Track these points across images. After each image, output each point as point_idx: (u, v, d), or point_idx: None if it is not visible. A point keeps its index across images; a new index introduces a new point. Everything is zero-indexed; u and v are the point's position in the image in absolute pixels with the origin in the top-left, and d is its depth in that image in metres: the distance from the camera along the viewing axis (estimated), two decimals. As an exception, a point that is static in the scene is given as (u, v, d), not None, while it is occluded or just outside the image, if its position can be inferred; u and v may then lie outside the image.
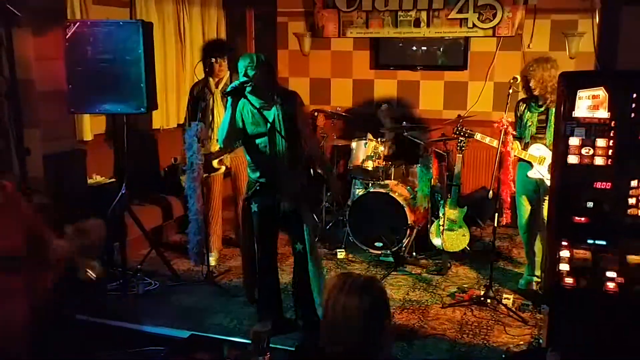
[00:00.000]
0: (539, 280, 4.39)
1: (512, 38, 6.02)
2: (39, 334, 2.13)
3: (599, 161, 2.95)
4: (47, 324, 2.17)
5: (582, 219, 2.98)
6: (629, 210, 2.93)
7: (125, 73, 4.05)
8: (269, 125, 3.45)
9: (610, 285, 2.84)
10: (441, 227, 5.01)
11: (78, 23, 4.07)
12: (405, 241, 5.11)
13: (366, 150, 5.45)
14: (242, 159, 4.39)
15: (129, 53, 4.03)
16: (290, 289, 4.10)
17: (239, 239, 4.49)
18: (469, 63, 6.34)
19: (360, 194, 5.32)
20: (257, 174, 3.61)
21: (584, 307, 2.91)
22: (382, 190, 5.22)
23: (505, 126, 4.12)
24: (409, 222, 5.07)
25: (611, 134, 2.94)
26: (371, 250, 5.19)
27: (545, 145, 4.13)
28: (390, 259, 5.12)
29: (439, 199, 5.37)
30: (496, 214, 4.24)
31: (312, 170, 3.72)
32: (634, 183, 2.92)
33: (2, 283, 2.03)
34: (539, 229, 4.30)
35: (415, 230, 5.14)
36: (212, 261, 4.85)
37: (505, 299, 4.22)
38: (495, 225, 4.27)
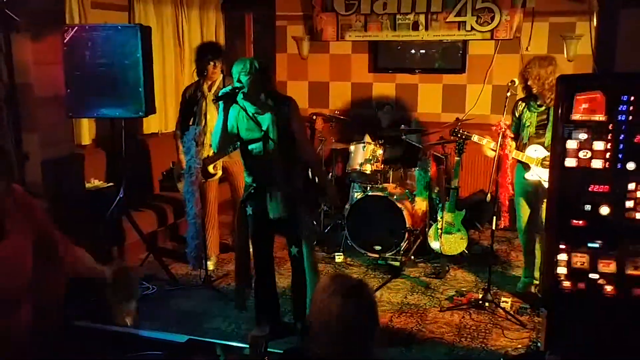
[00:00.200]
0: (538, 282, 4.39)
1: (510, 41, 6.02)
2: (43, 336, 2.13)
3: (596, 164, 2.95)
4: (52, 327, 2.17)
5: (580, 222, 2.97)
6: (626, 214, 2.93)
7: (124, 77, 4.06)
8: (262, 131, 3.44)
9: (609, 288, 2.84)
10: (439, 231, 5.02)
11: (76, 27, 4.08)
12: (403, 244, 5.11)
13: (364, 154, 5.45)
14: (239, 163, 4.38)
15: (127, 57, 4.04)
16: (288, 293, 4.10)
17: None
18: (467, 66, 6.35)
19: (358, 197, 5.32)
20: (252, 178, 3.62)
21: (582, 310, 2.91)
22: (380, 193, 5.22)
23: (503, 129, 4.12)
24: (407, 226, 5.07)
25: (609, 137, 2.94)
26: (369, 254, 5.19)
27: (543, 146, 4.12)
28: (388, 262, 5.13)
29: (437, 202, 5.38)
30: (494, 217, 4.24)
31: (310, 174, 3.72)
32: (631, 186, 2.91)
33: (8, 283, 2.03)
34: (538, 231, 4.30)
35: (413, 234, 5.14)
36: (210, 265, 4.85)
37: (503, 302, 4.22)
38: (494, 228, 4.27)
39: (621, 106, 2.91)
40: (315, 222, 5.63)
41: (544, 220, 3.92)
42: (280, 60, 6.96)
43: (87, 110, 4.19)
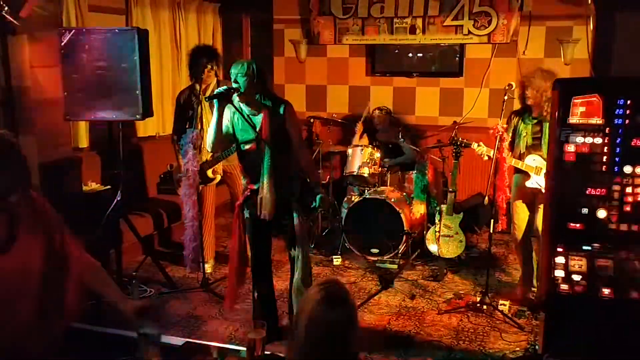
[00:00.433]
0: (535, 289, 4.36)
1: (507, 45, 6.05)
2: (47, 338, 2.13)
3: (593, 167, 2.96)
4: (55, 329, 2.16)
5: (577, 225, 2.98)
6: (623, 217, 2.94)
7: (121, 80, 4.05)
8: (256, 132, 3.45)
9: (606, 291, 2.85)
10: (437, 234, 5.02)
11: (74, 30, 4.07)
12: (401, 248, 5.12)
13: (362, 157, 5.45)
14: (239, 168, 4.38)
15: (124, 60, 4.03)
16: (286, 295, 4.09)
17: None
18: (465, 70, 6.37)
19: (356, 200, 5.32)
20: (247, 180, 3.63)
21: (580, 312, 2.92)
22: (378, 196, 5.23)
23: (500, 132, 4.13)
24: (405, 229, 5.07)
25: (606, 141, 2.95)
26: (367, 257, 5.19)
27: (540, 156, 4.12)
28: (387, 265, 5.13)
29: (435, 205, 5.39)
30: (492, 220, 4.25)
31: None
32: (628, 189, 2.93)
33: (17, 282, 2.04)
34: (534, 236, 4.30)
35: (411, 237, 5.14)
36: (208, 268, 4.85)
37: (501, 305, 4.22)
38: (491, 231, 4.27)
39: (618, 110, 2.93)
40: (312, 224, 5.64)
41: (539, 226, 3.92)
42: (277, 63, 6.97)
43: (85, 113, 4.17)
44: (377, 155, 5.49)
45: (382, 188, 5.46)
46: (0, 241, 1.98)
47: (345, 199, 5.76)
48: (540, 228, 3.80)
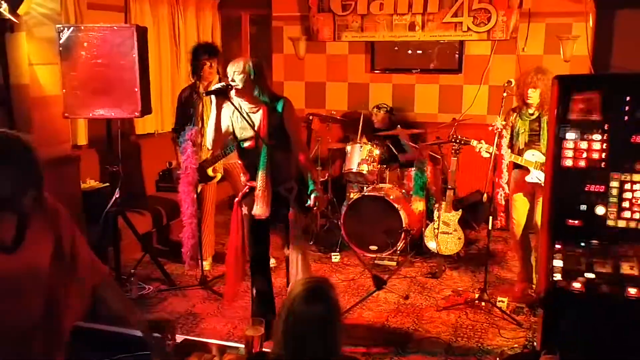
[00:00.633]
0: (535, 286, 4.37)
1: (507, 41, 6.03)
2: (53, 335, 2.14)
3: (592, 164, 2.96)
4: (59, 330, 2.17)
5: (576, 221, 2.98)
6: (622, 213, 2.94)
7: (120, 77, 4.04)
8: (255, 130, 3.45)
9: (604, 288, 2.85)
10: (436, 231, 5.02)
11: (72, 27, 4.06)
12: (400, 245, 5.12)
13: (361, 154, 5.45)
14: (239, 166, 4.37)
15: (123, 57, 4.02)
16: (284, 292, 4.09)
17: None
18: (464, 66, 6.36)
19: (355, 197, 5.32)
20: (247, 177, 3.63)
21: (578, 309, 2.91)
22: (377, 193, 5.22)
23: (499, 129, 4.13)
24: (404, 226, 5.07)
25: (605, 137, 2.94)
26: (366, 254, 5.19)
27: (539, 151, 4.13)
28: (386, 262, 5.14)
29: (434, 202, 5.39)
30: (490, 217, 4.25)
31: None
32: (627, 186, 2.92)
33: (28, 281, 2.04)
34: (533, 231, 4.31)
35: (410, 234, 5.14)
36: (206, 265, 4.84)
37: (499, 301, 4.22)
38: (490, 228, 4.27)
39: (617, 106, 2.92)
40: (310, 222, 5.64)
41: (539, 221, 3.93)
42: (276, 60, 6.96)
43: (83, 111, 4.17)
44: (376, 152, 5.49)
45: (381, 185, 5.46)
46: (8, 241, 1.98)
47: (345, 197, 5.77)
48: (539, 222, 3.81)
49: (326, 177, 5.96)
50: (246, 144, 3.55)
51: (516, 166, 4.32)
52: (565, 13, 5.85)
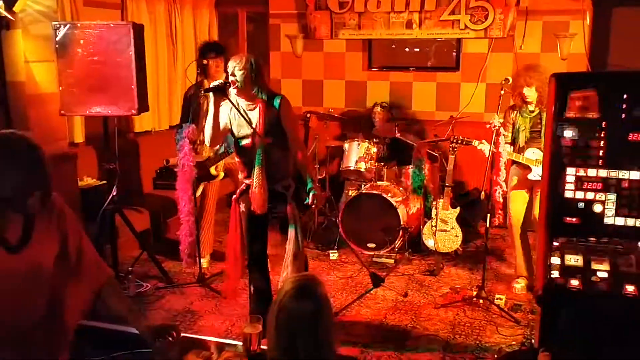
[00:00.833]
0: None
1: (504, 39, 6.03)
2: (56, 335, 2.13)
3: (590, 162, 2.96)
4: (62, 330, 2.16)
5: (574, 219, 2.98)
6: (619, 211, 2.94)
7: (116, 75, 4.04)
8: (252, 127, 3.44)
9: (602, 285, 2.85)
10: (434, 228, 5.03)
11: (68, 25, 4.05)
12: (397, 242, 5.12)
13: (359, 152, 5.45)
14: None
15: (119, 55, 4.02)
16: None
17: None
18: (461, 64, 6.36)
19: (353, 195, 5.32)
20: (244, 174, 3.63)
21: (576, 307, 2.92)
22: (374, 191, 5.22)
23: (497, 127, 4.14)
24: (401, 224, 5.07)
25: (602, 135, 2.94)
26: (364, 252, 5.19)
27: (540, 149, 4.14)
28: (384, 260, 5.14)
29: (432, 200, 5.39)
30: (488, 215, 4.25)
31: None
32: (624, 184, 2.93)
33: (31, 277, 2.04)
34: (531, 228, 4.32)
35: (407, 232, 5.14)
36: (204, 263, 4.84)
37: (497, 299, 4.23)
38: (488, 225, 4.28)
39: (614, 104, 2.92)
40: (308, 220, 5.64)
41: (537, 215, 3.94)
42: (274, 58, 6.95)
43: (80, 108, 4.16)
44: (374, 150, 5.49)
45: (379, 183, 5.46)
46: (14, 241, 1.98)
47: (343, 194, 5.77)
48: (537, 216, 3.82)
49: (324, 175, 5.95)
50: (244, 142, 3.54)
51: (514, 162, 4.34)
52: (562, 11, 5.85)
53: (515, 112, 4.27)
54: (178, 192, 4.40)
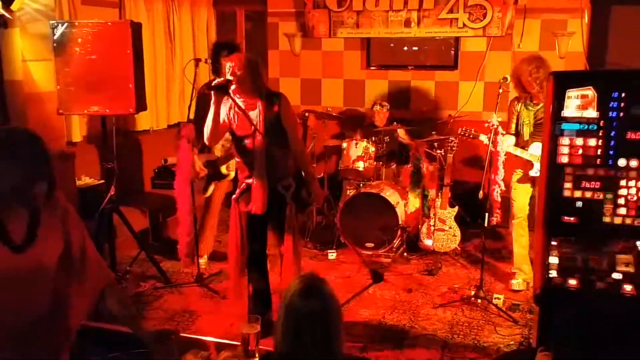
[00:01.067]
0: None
1: (502, 38, 6.03)
2: (58, 334, 2.13)
3: (588, 160, 2.96)
4: (64, 329, 2.16)
5: (572, 218, 2.98)
6: (617, 210, 2.94)
7: (114, 74, 4.03)
8: (253, 125, 3.44)
9: (600, 284, 2.85)
10: (432, 228, 5.02)
11: (66, 24, 4.04)
12: (396, 242, 5.12)
13: (357, 151, 5.45)
14: None
15: (117, 54, 4.01)
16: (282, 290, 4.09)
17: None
18: (460, 63, 6.35)
19: (351, 194, 5.31)
20: (245, 174, 3.61)
21: (574, 306, 2.91)
22: (373, 190, 5.22)
23: (495, 126, 4.13)
24: (400, 223, 5.07)
25: (600, 134, 2.94)
26: (362, 251, 5.18)
27: None
28: (382, 259, 5.13)
29: (430, 199, 5.38)
30: (487, 214, 4.25)
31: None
32: (622, 182, 2.92)
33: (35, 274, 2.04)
34: (533, 227, 4.32)
35: (406, 231, 5.14)
36: (203, 263, 4.83)
37: (495, 299, 4.23)
38: (486, 225, 4.28)
39: (612, 102, 2.91)
40: (307, 219, 5.63)
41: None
42: (272, 57, 6.94)
43: (77, 107, 4.15)
44: (372, 149, 5.48)
45: (377, 182, 5.45)
46: (18, 240, 1.98)
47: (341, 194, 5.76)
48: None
49: (322, 174, 5.95)
50: (244, 142, 3.53)
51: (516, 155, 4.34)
52: (560, 9, 5.85)
53: (520, 103, 4.27)
54: (176, 191, 4.38)
